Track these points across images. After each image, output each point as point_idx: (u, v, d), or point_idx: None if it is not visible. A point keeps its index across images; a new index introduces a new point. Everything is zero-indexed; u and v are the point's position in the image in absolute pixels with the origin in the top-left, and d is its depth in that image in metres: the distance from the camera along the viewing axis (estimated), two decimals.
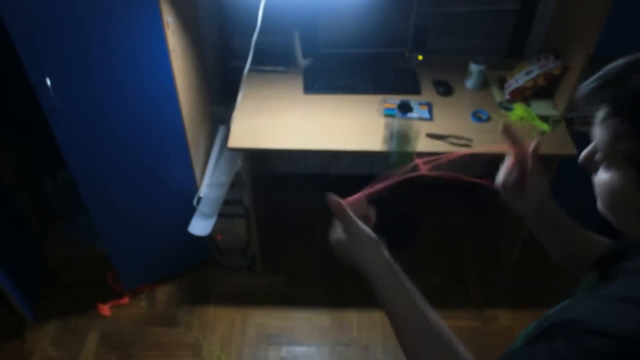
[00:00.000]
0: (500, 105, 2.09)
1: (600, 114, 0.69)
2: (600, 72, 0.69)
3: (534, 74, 2.01)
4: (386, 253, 0.90)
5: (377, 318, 2.29)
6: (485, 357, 2.16)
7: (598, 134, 0.70)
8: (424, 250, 2.55)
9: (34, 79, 1.58)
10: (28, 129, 2.41)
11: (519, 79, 2.04)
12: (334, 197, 0.94)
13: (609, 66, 0.69)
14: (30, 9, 1.47)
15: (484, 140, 1.93)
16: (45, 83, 1.59)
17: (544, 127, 1.98)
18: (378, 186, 0.95)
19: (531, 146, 0.94)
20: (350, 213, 0.95)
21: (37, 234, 2.50)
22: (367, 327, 2.26)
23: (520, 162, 0.97)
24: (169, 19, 1.70)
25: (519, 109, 2.04)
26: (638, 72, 0.65)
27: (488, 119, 2.03)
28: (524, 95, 2.06)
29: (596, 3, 1.77)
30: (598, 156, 0.72)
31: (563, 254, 1.02)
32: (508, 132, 0.96)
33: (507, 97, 2.09)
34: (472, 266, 2.52)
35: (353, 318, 2.31)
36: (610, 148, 0.68)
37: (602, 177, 0.71)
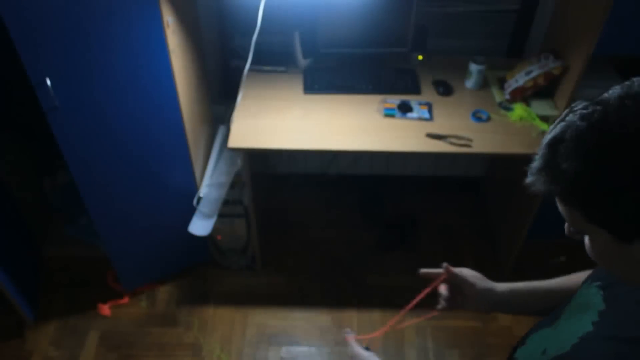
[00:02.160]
0: (500, 105, 2.09)
1: (550, 191, 0.71)
2: (535, 156, 0.71)
3: (534, 74, 2.00)
4: None
5: (377, 318, 2.29)
6: (485, 357, 2.16)
7: (561, 210, 0.73)
8: (424, 250, 2.55)
9: (34, 79, 1.58)
10: (28, 129, 2.41)
11: (519, 79, 2.04)
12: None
13: (539, 147, 0.71)
14: (30, 9, 1.47)
15: (484, 140, 1.93)
16: (45, 83, 1.59)
17: (544, 127, 1.98)
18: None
19: (442, 271, 1.09)
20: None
21: (37, 234, 2.50)
22: (367, 327, 2.26)
23: (452, 285, 1.11)
24: (169, 19, 1.70)
25: (519, 109, 2.03)
26: (558, 145, 0.66)
27: (488, 119, 2.03)
28: (524, 95, 2.06)
29: (596, 3, 1.77)
30: (573, 229, 0.75)
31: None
32: (425, 275, 1.10)
33: (507, 97, 2.09)
34: (472, 266, 2.52)
35: (353, 318, 2.31)
36: (573, 220, 0.71)
37: (586, 243, 0.74)
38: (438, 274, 1.10)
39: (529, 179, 0.72)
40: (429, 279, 1.10)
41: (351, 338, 1.11)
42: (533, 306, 1.09)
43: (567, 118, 0.68)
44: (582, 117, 0.65)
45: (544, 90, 2.06)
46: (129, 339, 2.22)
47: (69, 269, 2.46)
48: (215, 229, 2.18)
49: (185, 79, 1.93)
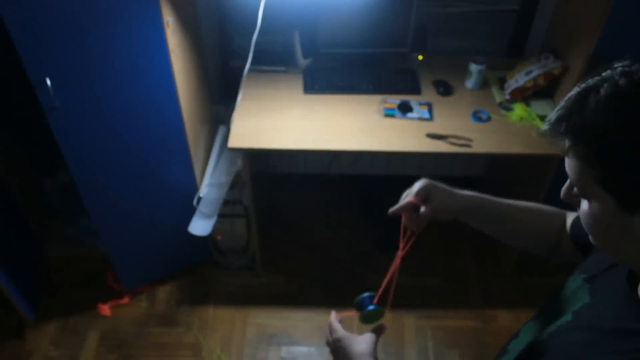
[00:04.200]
0: (500, 105, 2.09)
1: (566, 146, 0.68)
2: (559, 106, 0.68)
3: (534, 74, 2.00)
4: None
5: None
6: (485, 357, 2.16)
7: (568, 166, 0.70)
8: (424, 250, 2.55)
9: (34, 79, 1.58)
10: (28, 129, 2.41)
11: (519, 79, 2.04)
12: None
13: (565, 97, 0.68)
14: (30, 9, 1.47)
15: (484, 140, 1.93)
16: (45, 83, 1.59)
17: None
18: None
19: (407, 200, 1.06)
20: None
21: (37, 234, 2.50)
22: (367, 327, 2.25)
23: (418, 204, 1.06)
24: (169, 19, 1.70)
25: (519, 109, 2.04)
26: (589, 97, 0.64)
27: (488, 119, 2.03)
28: (524, 95, 2.06)
29: (596, 3, 1.77)
30: (575, 189, 0.72)
31: (516, 238, 1.08)
32: (395, 212, 1.09)
33: (507, 97, 2.09)
34: (472, 266, 2.52)
35: (353, 318, 2.30)
36: (582, 179, 0.67)
37: (583, 208, 0.71)
38: (406, 205, 1.06)
39: (546, 127, 0.70)
40: (400, 216, 1.08)
41: (336, 317, 1.12)
42: (493, 222, 1.08)
43: (604, 73, 0.65)
44: (624, 74, 0.62)
45: (544, 90, 2.06)
46: (129, 339, 2.22)
47: (69, 269, 2.46)
48: (215, 229, 2.18)
49: (185, 79, 1.93)
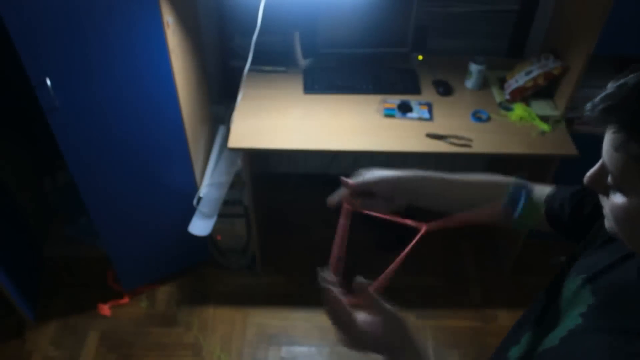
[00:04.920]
0: (500, 105, 2.08)
1: (615, 137, 0.63)
2: (610, 91, 0.63)
3: (534, 74, 2.00)
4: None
5: None
6: (485, 357, 2.16)
7: (613, 158, 0.64)
8: (424, 250, 2.54)
9: (34, 79, 1.58)
10: (28, 129, 2.41)
11: (519, 79, 2.04)
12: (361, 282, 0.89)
13: (619, 84, 0.63)
14: (30, 9, 1.47)
15: (484, 140, 1.93)
16: (45, 83, 1.59)
17: (544, 127, 1.98)
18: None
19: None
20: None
21: (37, 234, 2.50)
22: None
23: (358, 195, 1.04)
24: (169, 19, 1.70)
25: (519, 109, 2.03)
26: None
27: (488, 119, 2.03)
28: (524, 95, 2.06)
29: (596, 3, 1.77)
30: (611, 180, 0.67)
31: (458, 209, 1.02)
32: (335, 203, 1.06)
33: (507, 97, 2.09)
34: (472, 266, 2.52)
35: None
36: (628, 173, 0.63)
37: (618, 201, 0.66)
38: (344, 195, 1.03)
39: (591, 111, 0.64)
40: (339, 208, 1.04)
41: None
42: (438, 202, 1.05)
43: None
44: None
45: (544, 90, 2.06)
46: (129, 339, 2.22)
47: (69, 269, 2.46)
48: (215, 229, 2.18)
49: (185, 79, 1.93)
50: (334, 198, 1.05)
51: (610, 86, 0.63)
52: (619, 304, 0.73)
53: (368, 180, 1.03)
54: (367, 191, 1.03)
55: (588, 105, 0.65)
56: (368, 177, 1.04)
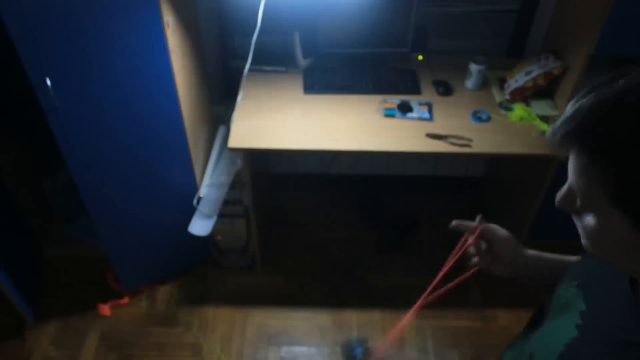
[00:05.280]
0: (500, 105, 2.08)
1: (578, 161, 0.62)
2: (568, 115, 0.62)
3: (534, 74, 2.00)
4: None
5: (377, 318, 2.29)
6: (485, 357, 2.16)
7: (577, 181, 0.64)
8: (424, 250, 2.55)
9: (34, 79, 1.58)
10: (28, 129, 2.41)
11: (519, 79, 2.04)
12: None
13: (575, 107, 0.62)
14: (30, 9, 1.47)
15: (484, 140, 1.93)
16: (45, 83, 1.59)
17: (544, 127, 1.98)
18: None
19: (476, 224, 1.03)
20: None
21: (37, 234, 2.50)
22: (367, 327, 2.26)
23: (482, 239, 1.03)
24: (169, 19, 1.70)
25: (519, 109, 2.03)
26: (608, 113, 0.59)
27: (488, 119, 2.03)
28: (524, 95, 2.06)
29: (596, 3, 1.77)
30: (579, 201, 0.66)
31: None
32: (458, 227, 1.05)
33: (507, 97, 2.09)
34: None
35: (353, 318, 2.31)
36: (595, 196, 0.62)
37: (589, 222, 0.66)
38: (471, 227, 1.03)
39: (552, 138, 0.63)
40: (462, 229, 1.05)
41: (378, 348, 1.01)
42: (552, 278, 1.00)
43: (619, 82, 0.59)
44: None
45: (544, 90, 2.06)
46: (129, 339, 2.22)
47: (69, 269, 2.46)
48: (215, 229, 2.18)
49: (185, 79, 1.93)
50: (461, 224, 1.05)
51: (569, 109, 0.63)
52: (611, 317, 0.73)
53: (495, 232, 1.03)
54: (488, 239, 1.04)
55: (549, 131, 0.65)
56: (497, 230, 1.03)
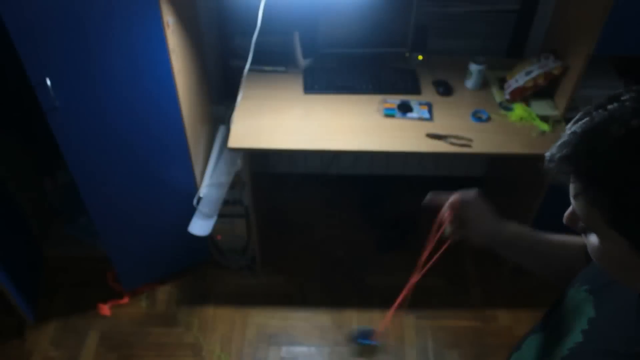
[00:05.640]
0: (500, 105, 2.09)
1: (575, 185, 0.64)
2: (565, 139, 0.64)
3: (534, 74, 2.00)
4: None
5: (377, 318, 2.29)
6: (485, 357, 2.16)
7: (576, 205, 0.66)
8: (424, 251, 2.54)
9: (34, 79, 1.58)
10: (28, 129, 2.41)
11: (519, 79, 2.04)
12: None
13: (570, 131, 0.63)
14: (30, 8, 1.47)
15: (484, 140, 1.93)
16: (45, 83, 1.59)
17: (544, 127, 1.98)
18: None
19: (449, 200, 1.02)
20: None
21: (38, 234, 2.50)
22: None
23: (455, 211, 1.03)
24: (169, 19, 1.70)
25: (519, 109, 2.03)
26: (599, 139, 0.60)
27: (488, 119, 2.03)
28: (524, 95, 2.06)
29: (596, 3, 1.77)
30: (582, 224, 0.68)
31: (543, 269, 1.03)
32: (432, 202, 1.05)
33: (507, 97, 2.09)
34: (472, 266, 2.52)
35: (353, 318, 2.31)
36: (593, 220, 0.64)
37: (593, 242, 0.68)
38: (446, 202, 1.03)
39: (550, 165, 0.65)
40: (436, 203, 1.04)
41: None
42: (524, 255, 1.04)
43: (611, 108, 0.60)
44: (636, 112, 0.58)
45: (544, 90, 2.06)
46: (129, 339, 2.22)
47: (69, 269, 2.46)
48: (215, 229, 2.18)
49: (185, 79, 1.93)
50: (436, 199, 1.04)
51: (566, 133, 0.64)
52: (618, 326, 0.73)
53: (472, 204, 1.02)
54: (463, 211, 1.03)
55: (547, 156, 0.66)
56: (474, 201, 1.02)
